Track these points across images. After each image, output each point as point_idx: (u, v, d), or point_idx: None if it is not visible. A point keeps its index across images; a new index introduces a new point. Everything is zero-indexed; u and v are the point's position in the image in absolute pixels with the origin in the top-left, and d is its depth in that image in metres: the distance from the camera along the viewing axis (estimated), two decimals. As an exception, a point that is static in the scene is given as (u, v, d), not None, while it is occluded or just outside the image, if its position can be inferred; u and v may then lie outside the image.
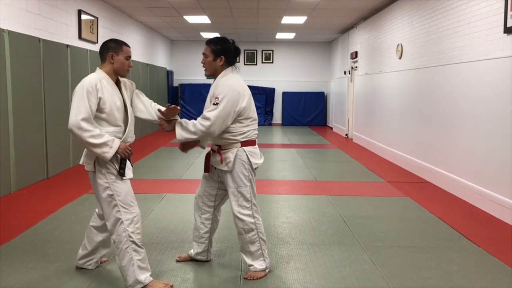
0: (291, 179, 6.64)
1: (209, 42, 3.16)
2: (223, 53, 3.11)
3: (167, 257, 3.52)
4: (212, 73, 3.17)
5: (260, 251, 3.18)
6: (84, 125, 2.70)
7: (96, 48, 8.38)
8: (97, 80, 2.84)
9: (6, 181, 5.45)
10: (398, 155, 7.87)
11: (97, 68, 2.96)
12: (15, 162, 5.62)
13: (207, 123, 2.96)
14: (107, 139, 2.77)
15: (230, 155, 3.08)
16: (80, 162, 3.00)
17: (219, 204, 3.34)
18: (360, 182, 6.46)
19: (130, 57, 2.99)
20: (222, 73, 3.14)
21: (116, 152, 2.81)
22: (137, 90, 3.19)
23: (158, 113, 3.11)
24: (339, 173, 7.27)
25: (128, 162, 2.93)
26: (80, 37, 7.68)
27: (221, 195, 3.30)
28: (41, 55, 6.23)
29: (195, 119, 3.08)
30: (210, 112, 2.97)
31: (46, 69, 6.36)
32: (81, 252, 3.22)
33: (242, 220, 3.10)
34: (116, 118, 2.90)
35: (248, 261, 3.20)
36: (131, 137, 3.03)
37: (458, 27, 5.75)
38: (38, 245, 3.75)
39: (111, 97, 2.87)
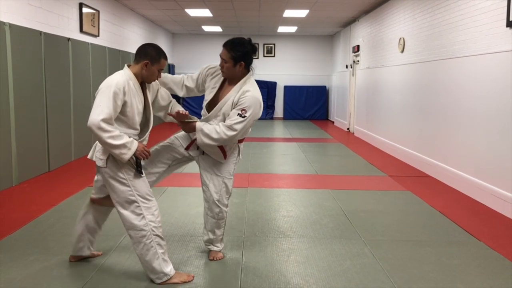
0: (292, 173, 6.64)
1: (228, 47, 3.07)
2: (243, 59, 3.08)
3: (168, 251, 3.52)
4: (231, 77, 3.16)
5: (222, 236, 3.41)
6: (104, 125, 2.66)
7: (97, 41, 8.38)
8: (125, 82, 2.79)
9: (8, 174, 5.46)
10: (399, 149, 7.87)
11: (126, 66, 2.91)
12: (17, 155, 5.63)
13: (232, 133, 3.04)
14: (126, 140, 2.76)
15: (227, 148, 3.25)
16: (89, 157, 2.98)
17: (169, 168, 3.47)
18: (361, 176, 6.46)
19: (162, 69, 2.97)
20: (244, 79, 3.13)
21: (134, 154, 2.82)
22: (161, 89, 3.21)
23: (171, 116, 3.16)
24: (340, 167, 7.27)
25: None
26: (81, 30, 7.66)
27: (178, 166, 3.54)
28: (42, 48, 6.21)
29: (198, 115, 3.12)
30: (237, 124, 3.02)
31: (47, 62, 6.36)
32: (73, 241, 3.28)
33: (219, 207, 3.28)
34: (135, 122, 2.90)
35: (210, 239, 3.37)
36: (146, 140, 3.05)
37: (460, 20, 5.72)
38: (40, 238, 3.76)
39: (135, 101, 2.86)
